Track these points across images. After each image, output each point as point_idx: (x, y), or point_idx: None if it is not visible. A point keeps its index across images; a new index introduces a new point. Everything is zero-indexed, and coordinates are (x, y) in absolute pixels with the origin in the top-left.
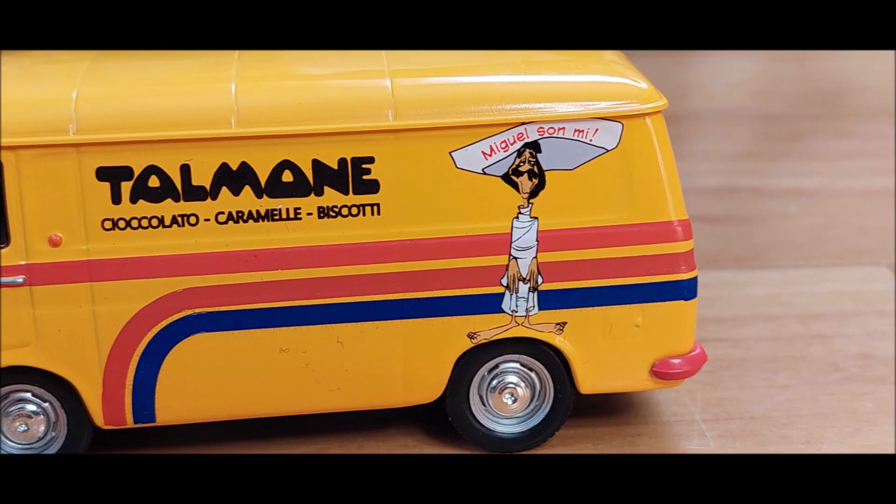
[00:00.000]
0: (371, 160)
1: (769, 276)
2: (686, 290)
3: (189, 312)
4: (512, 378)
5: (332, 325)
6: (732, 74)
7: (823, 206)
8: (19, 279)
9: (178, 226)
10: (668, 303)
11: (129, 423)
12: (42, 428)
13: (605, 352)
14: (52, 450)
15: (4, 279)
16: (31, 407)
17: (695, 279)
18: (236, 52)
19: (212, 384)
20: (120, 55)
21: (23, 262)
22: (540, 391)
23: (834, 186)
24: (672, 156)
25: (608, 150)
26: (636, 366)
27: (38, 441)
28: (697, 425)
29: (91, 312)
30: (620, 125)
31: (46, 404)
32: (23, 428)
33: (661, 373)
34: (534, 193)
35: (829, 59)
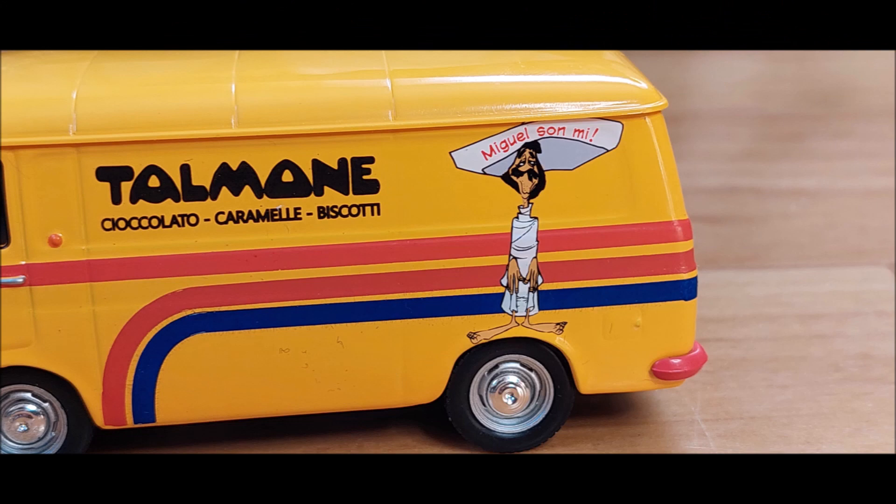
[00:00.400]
0: (371, 160)
1: (769, 276)
2: (686, 290)
3: (189, 312)
4: (512, 378)
5: (332, 325)
6: (732, 74)
7: (823, 206)
8: (19, 279)
9: (178, 226)
10: (668, 303)
11: (129, 423)
12: (42, 428)
13: (604, 352)
14: (52, 450)
15: (4, 279)
16: (31, 407)
17: (695, 279)
18: (236, 52)
19: (212, 384)
20: (120, 55)
21: (23, 262)
22: (540, 391)
23: (834, 186)
24: (672, 156)
25: (608, 150)
26: (636, 366)
27: (38, 441)
28: (697, 425)
29: (91, 312)
30: (620, 125)
31: (46, 404)
32: (23, 428)
33: (661, 373)
34: (534, 193)
35: (829, 59)
